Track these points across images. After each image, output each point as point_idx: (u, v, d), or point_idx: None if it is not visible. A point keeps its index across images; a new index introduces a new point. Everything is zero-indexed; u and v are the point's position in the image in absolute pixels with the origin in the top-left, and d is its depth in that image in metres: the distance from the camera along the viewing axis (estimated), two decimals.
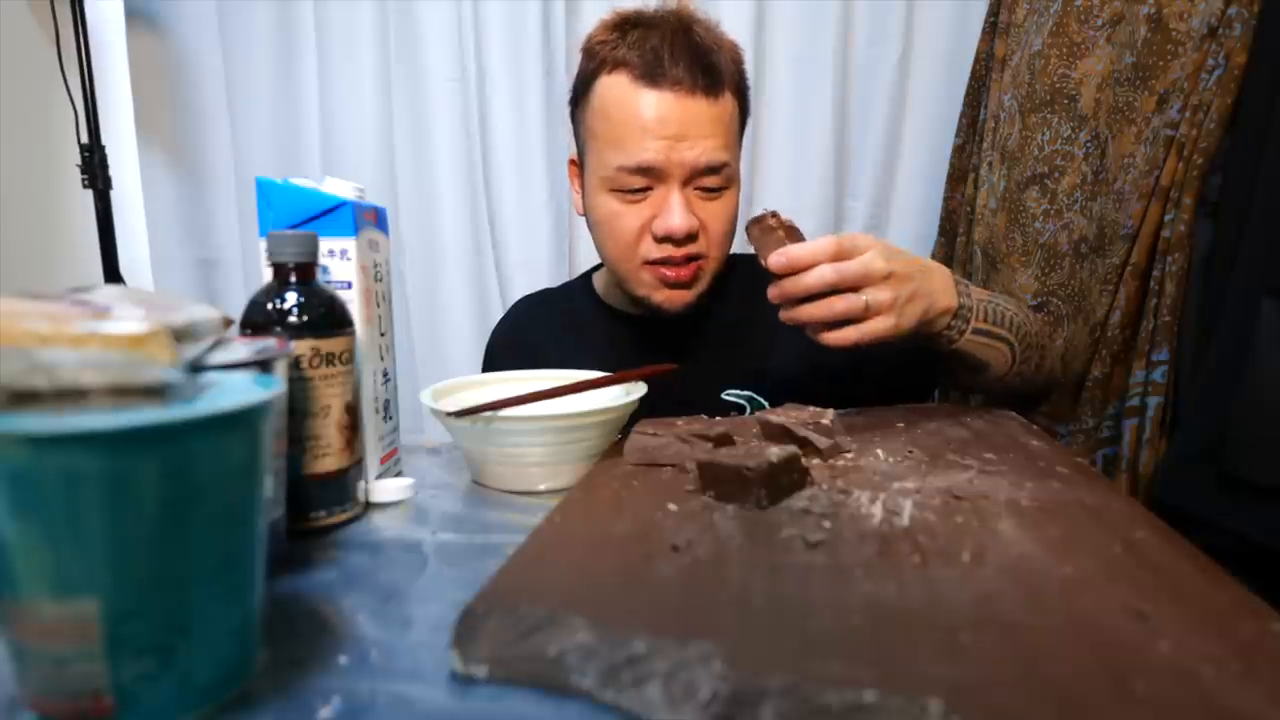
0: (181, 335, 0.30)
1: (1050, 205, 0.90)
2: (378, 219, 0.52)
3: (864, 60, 1.16)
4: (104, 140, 1.04)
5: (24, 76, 1.08)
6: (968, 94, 1.09)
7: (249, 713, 0.27)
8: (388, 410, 0.53)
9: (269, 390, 0.28)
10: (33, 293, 0.29)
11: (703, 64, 0.66)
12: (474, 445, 0.52)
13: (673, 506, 0.41)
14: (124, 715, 0.24)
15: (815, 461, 0.48)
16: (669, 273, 0.70)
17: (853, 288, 0.51)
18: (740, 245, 0.71)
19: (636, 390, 0.56)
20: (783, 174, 1.19)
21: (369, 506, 0.48)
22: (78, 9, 1.00)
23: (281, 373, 0.37)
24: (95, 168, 1.03)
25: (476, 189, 1.18)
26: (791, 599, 0.30)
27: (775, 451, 0.42)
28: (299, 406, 0.42)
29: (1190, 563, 0.33)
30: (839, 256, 0.51)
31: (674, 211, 0.67)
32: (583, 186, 0.76)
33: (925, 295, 0.55)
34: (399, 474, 0.54)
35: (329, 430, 0.43)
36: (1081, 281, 0.87)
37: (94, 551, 0.23)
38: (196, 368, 0.31)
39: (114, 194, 1.06)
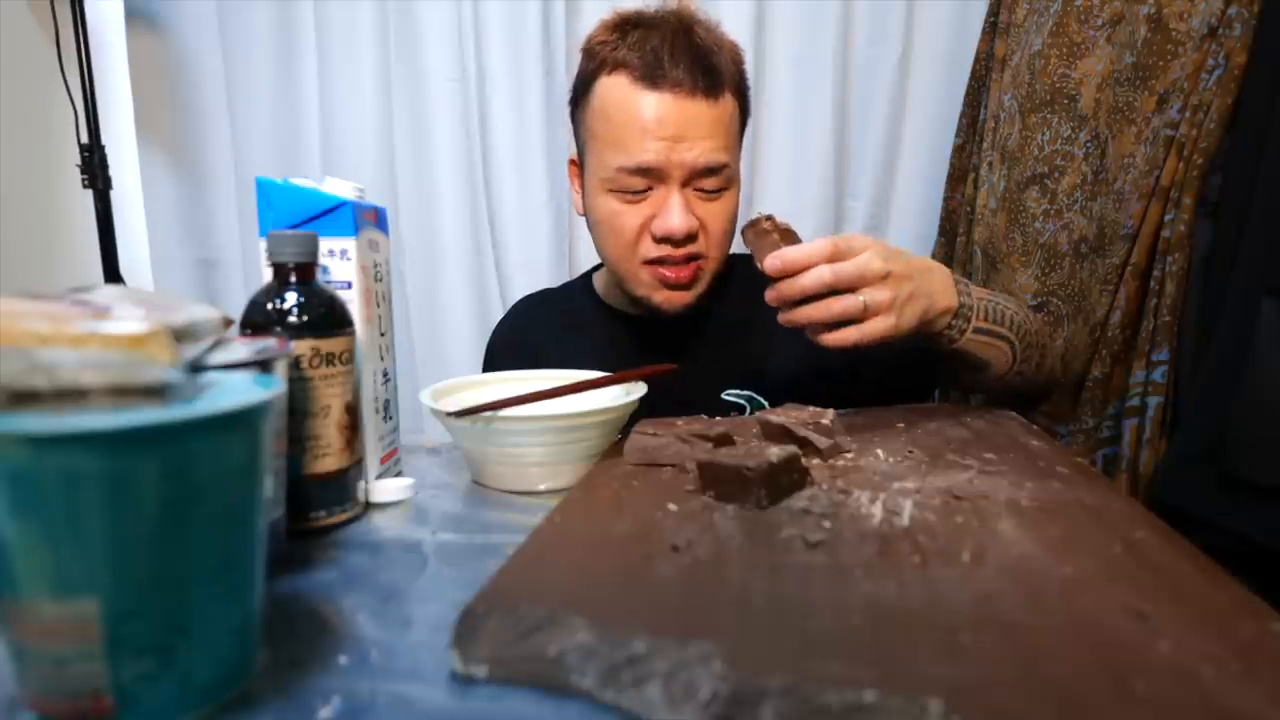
0: (181, 335, 0.30)
1: (1050, 205, 0.90)
2: (378, 219, 0.52)
3: (864, 60, 1.16)
4: (104, 140, 1.04)
5: (24, 76, 1.08)
6: (968, 94, 1.09)
7: (249, 713, 0.27)
8: (388, 410, 0.53)
9: (269, 390, 0.28)
10: (33, 293, 0.29)
11: (703, 65, 0.66)
12: (474, 445, 0.52)
13: (673, 506, 0.41)
14: (124, 715, 0.24)
15: (815, 461, 0.48)
16: (668, 273, 0.70)
17: (850, 288, 0.51)
18: (740, 245, 0.71)
19: (636, 390, 0.56)
20: (783, 174, 1.19)
21: (369, 506, 0.48)
22: (78, 9, 1.00)
23: (281, 373, 0.37)
24: (95, 168, 1.03)
25: (476, 189, 1.18)
26: (791, 599, 0.30)
27: (775, 451, 0.42)
28: (299, 406, 0.42)
29: (1190, 563, 0.33)
30: (835, 258, 0.51)
31: (673, 212, 0.67)
32: (583, 187, 0.76)
33: (925, 295, 0.55)
34: (399, 474, 0.54)
35: (329, 430, 0.43)
36: (1081, 281, 0.87)
37: (94, 551, 0.23)
38: (196, 368, 0.31)
39: (114, 194, 1.06)
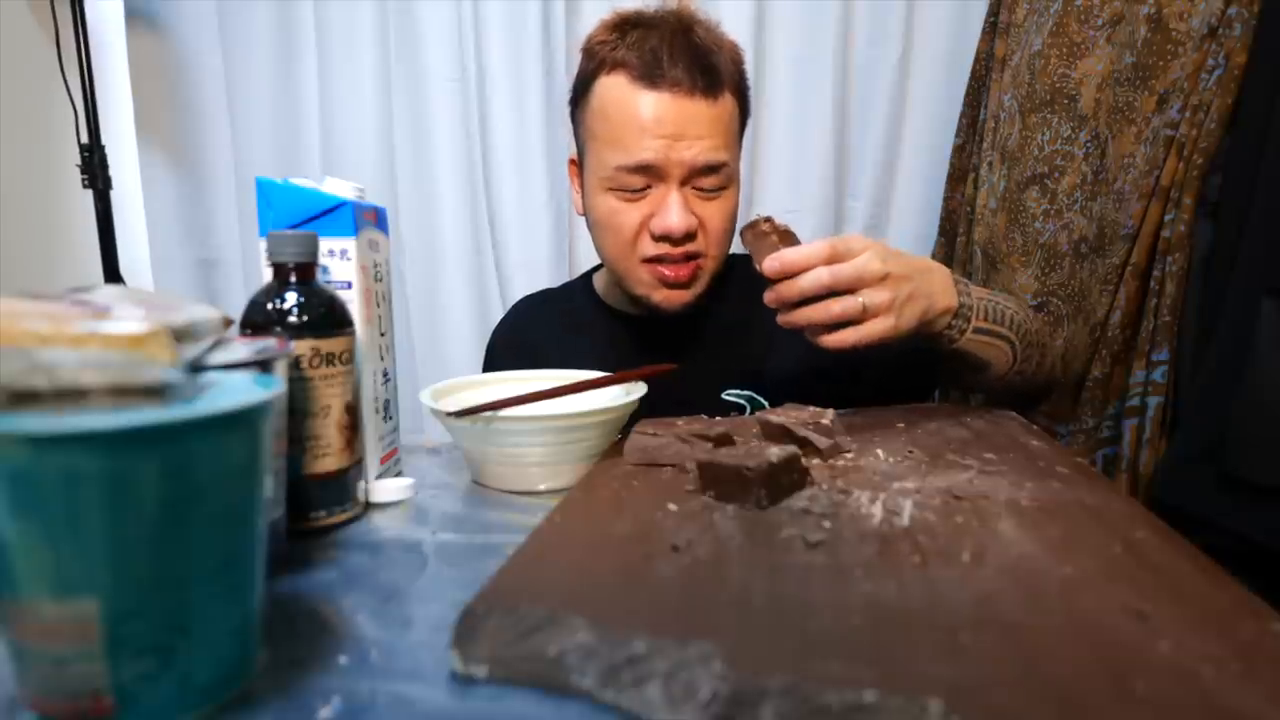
0: (181, 335, 0.30)
1: (1050, 205, 0.90)
2: (378, 219, 0.52)
3: (864, 60, 1.16)
4: (104, 140, 1.04)
5: (24, 76, 1.08)
6: (968, 94, 1.09)
7: (249, 713, 0.27)
8: (388, 410, 0.53)
9: (269, 390, 0.28)
10: (33, 293, 0.29)
11: (702, 65, 0.66)
12: (474, 445, 0.52)
13: (673, 506, 0.41)
14: (124, 715, 0.24)
15: (815, 461, 0.48)
16: (667, 272, 0.70)
17: (849, 290, 0.51)
18: (741, 246, 0.71)
19: (636, 390, 0.56)
20: (783, 174, 1.19)
21: (369, 506, 0.48)
22: (78, 9, 1.00)
23: (281, 373, 0.37)
24: (95, 168, 1.03)
25: (476, 189, 1.18)
26: (791, 599, 0.30)
27: (775, 451, 0.42)
28: (299, 406, 0.42)
29: (1190, 563, 0.33)
30: (833, 259, 0.51)
31: (671, 210, 0.67)
32: (582, 187, 0.76)
33: (924, 296, 0.55)
34: (399, 474, 0.54)
35: (329, 430, 0.43)
36: (1081, 281, 0.87)
37: (94, 551, 0.23)
38: (196, 368, 0.31)
39: (114, 194, 1.06)
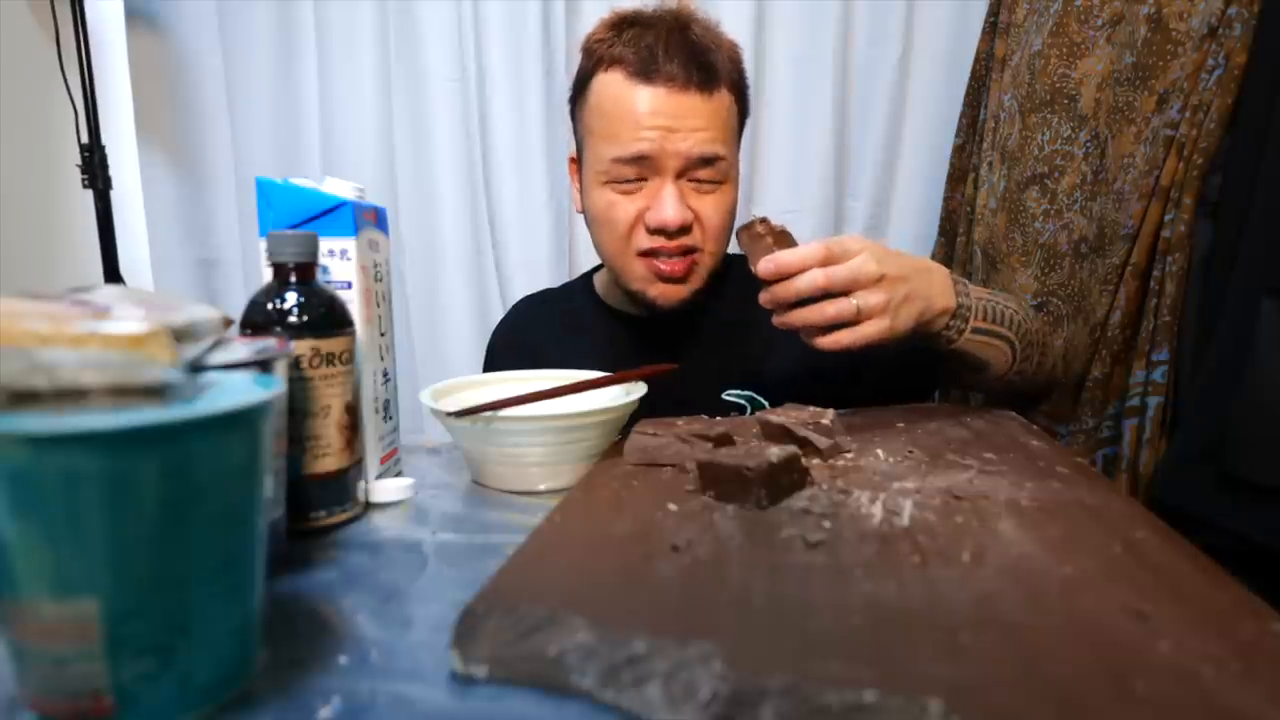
0: (181, 335, 0.30)
1: (1050, 205, 0.90)
2: (378, 219, 0.52)
3: (864, 60, 1.16)
4: (104, 140, 1.04)
5: (24, 76, 1.08)
6: (968, 94, 1.09)
7: (249, 713, 0.27)
8: (388, 410, 0.53)
9: (269, 390, 0.28)
10: (33, 293, 0.29)
11: (698, 61, 0.67)
12: (474, 445, 0.52)
13: (673, 506, 0.41)
14: (124, 715, 0.24)
15: (815, 461, 0.48)
16: (662, 266, 0.70)
17: (844, 291, 0.51)
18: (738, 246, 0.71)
19: (636, 390, 0.56)
20: (783, 174, 1.19)
21: (369, 506, 0.48)
22: (78, 9, 1.00)
23: (281, 373, 0.37)
24: (95, 168, 1.03)
25: (476, 189, 1.18)
26: (791, 599, 0.30)
27: (775, 451, 0.42)
28: (299, 406, 0.42)
29: (1190, 563, 0.33)
30: (828, 261, 0.51)
31: (666, 203, 0.67)
32: (581, 184, 0.76)
33: (921, 297, 0.55)
34: (399, 474, 0.54)
35: (329, 430, 0.43)
36: (1081, 281, 0.87)
37: (94, 551, 0.23)
38: (196, 368, 0.31)
39: (114, 194, 1.06)
